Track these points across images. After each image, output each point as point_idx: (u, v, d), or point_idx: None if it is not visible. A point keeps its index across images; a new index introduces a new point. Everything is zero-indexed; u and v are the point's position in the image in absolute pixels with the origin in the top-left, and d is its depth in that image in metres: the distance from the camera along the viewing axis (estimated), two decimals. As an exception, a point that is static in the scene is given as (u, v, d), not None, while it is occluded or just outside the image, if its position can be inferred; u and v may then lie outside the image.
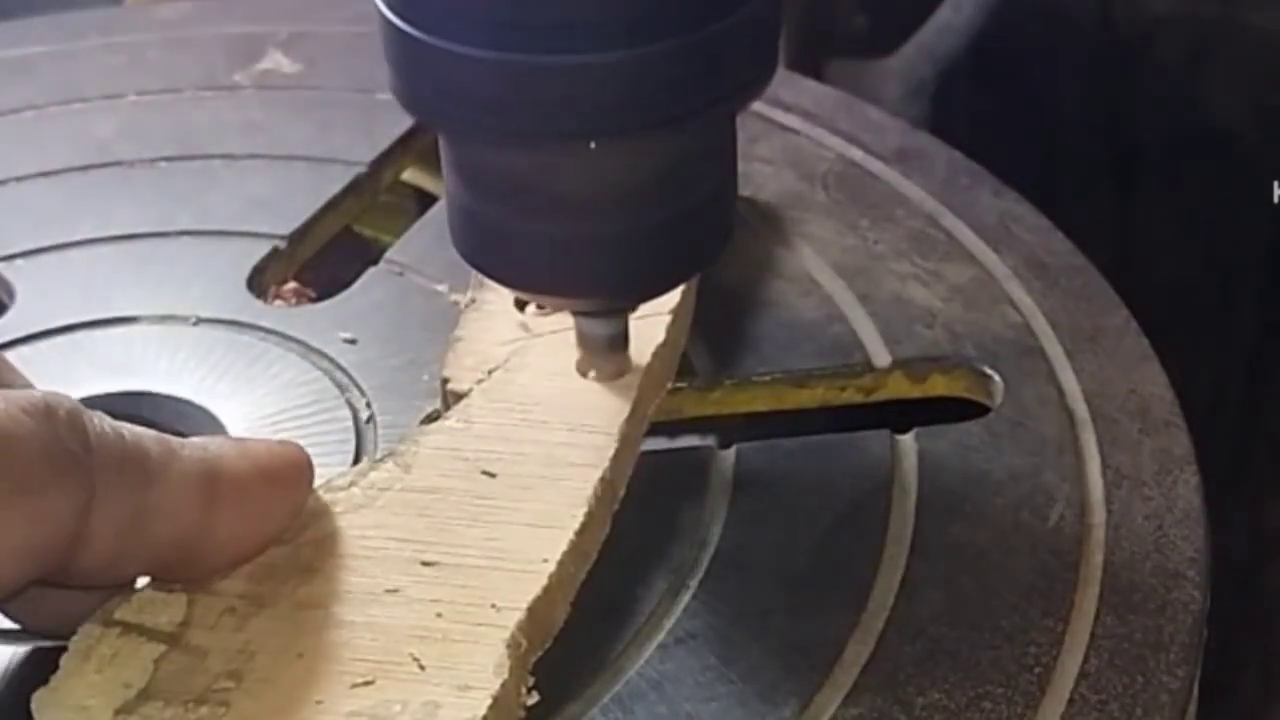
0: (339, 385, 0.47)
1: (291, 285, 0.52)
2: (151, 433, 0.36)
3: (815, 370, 0.47)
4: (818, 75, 0.77)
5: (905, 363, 0.47)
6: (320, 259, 0.54)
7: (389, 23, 0.36)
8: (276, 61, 0.63)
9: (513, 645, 0.35)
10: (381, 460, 0.40)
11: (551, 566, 0.37)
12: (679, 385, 0.46)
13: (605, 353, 0.42)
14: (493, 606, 0.36)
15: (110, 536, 0.34)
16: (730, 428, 0.48)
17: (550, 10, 0.34)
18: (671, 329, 0.44)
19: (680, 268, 0.40)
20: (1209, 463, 0.43)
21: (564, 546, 0.37)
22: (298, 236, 0.53)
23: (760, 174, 0.54)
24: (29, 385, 0.40)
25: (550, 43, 0.34)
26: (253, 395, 0.47)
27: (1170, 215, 0.81)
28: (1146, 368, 0.46)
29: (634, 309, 0.42)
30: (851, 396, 0.47)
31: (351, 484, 0.39)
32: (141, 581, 0.37)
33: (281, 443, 0.38)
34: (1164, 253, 0.81)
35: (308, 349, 0.48)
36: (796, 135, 0.57)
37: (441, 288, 0.50)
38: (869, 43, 0.87)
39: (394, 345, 0.48)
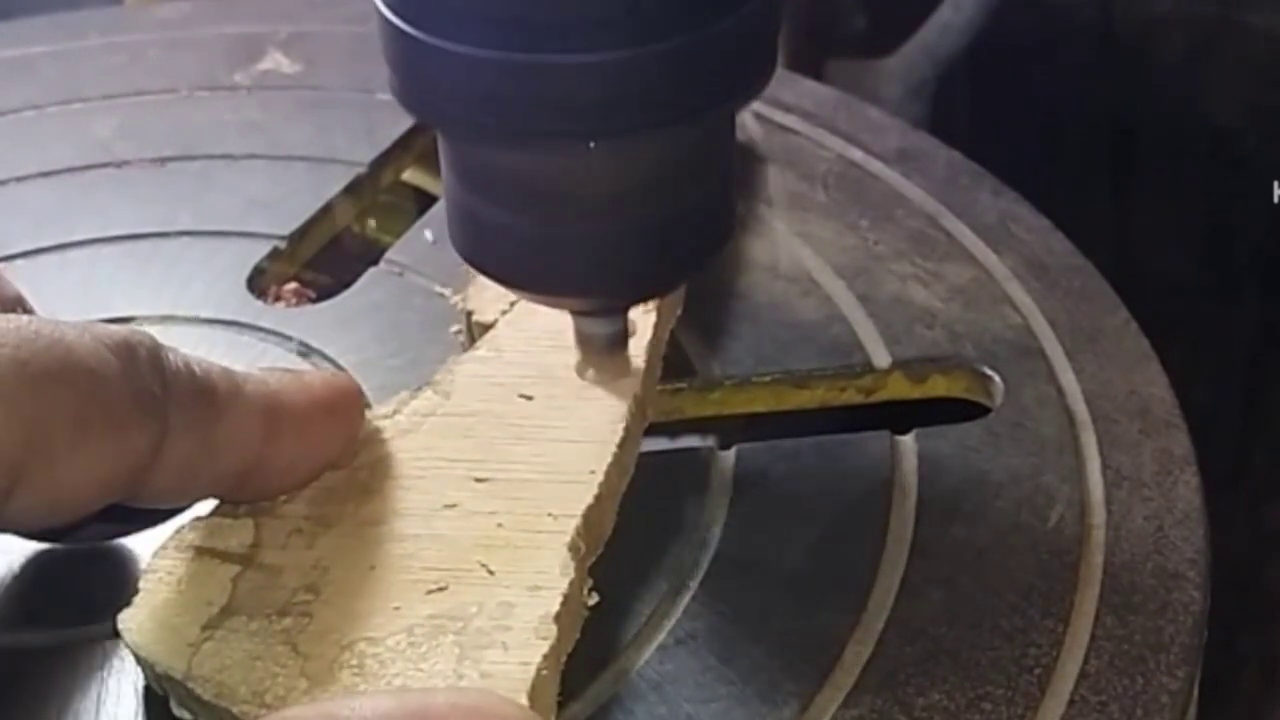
0: (339, 385, 0.47)
1: (291, 285, 0.52)
2: (219, 367, 0.37)
3: (815, 370, 0.47)
4: (818, 75, 0.77)
5: (905, 363, 0.47)
6: (320, 259, 0.54)
7: (387, 21, 0.36)
8: (276, 61, 0.63)
9: (573, 549, 0.37)
10: (419, 390, 0.42)
11: (600, 477, 0.39)
12: (679, 385, 0.46)
13: (605, 352, 0.42)
14: (549, 515, 0.38)
15: (178, 466, 0.36)
16: (730, 428, 0.48)
17: (550, 9, 0.34)
18: None
19: (681, 265, 0.40)
20: (1209, 463, 0.43)
21: (608, 459, 0.40)
22: (298, 236, 0.53)
23: (760, 174, 0.54)
24: (16, 290, 0.41)
25: (549, 42, 0.34)
26: (253, 395, 0.47)
27: (1170, 215, 0.81)
28: (1146, 368, 0.46)
29: (629, 308, 0.42)
30: (851, 397, 0.47)
31: (395, 412, 0.41)
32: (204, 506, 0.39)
33: (335, 374, 0.40)
34: (1164, 253, 0.81)
35: (308, 349, 0.48)
36: (796, 135, 0.57)
37: (442, 288, 0.50)
38: (869, 43, 0.87)
39: (394, 345, 0.48)
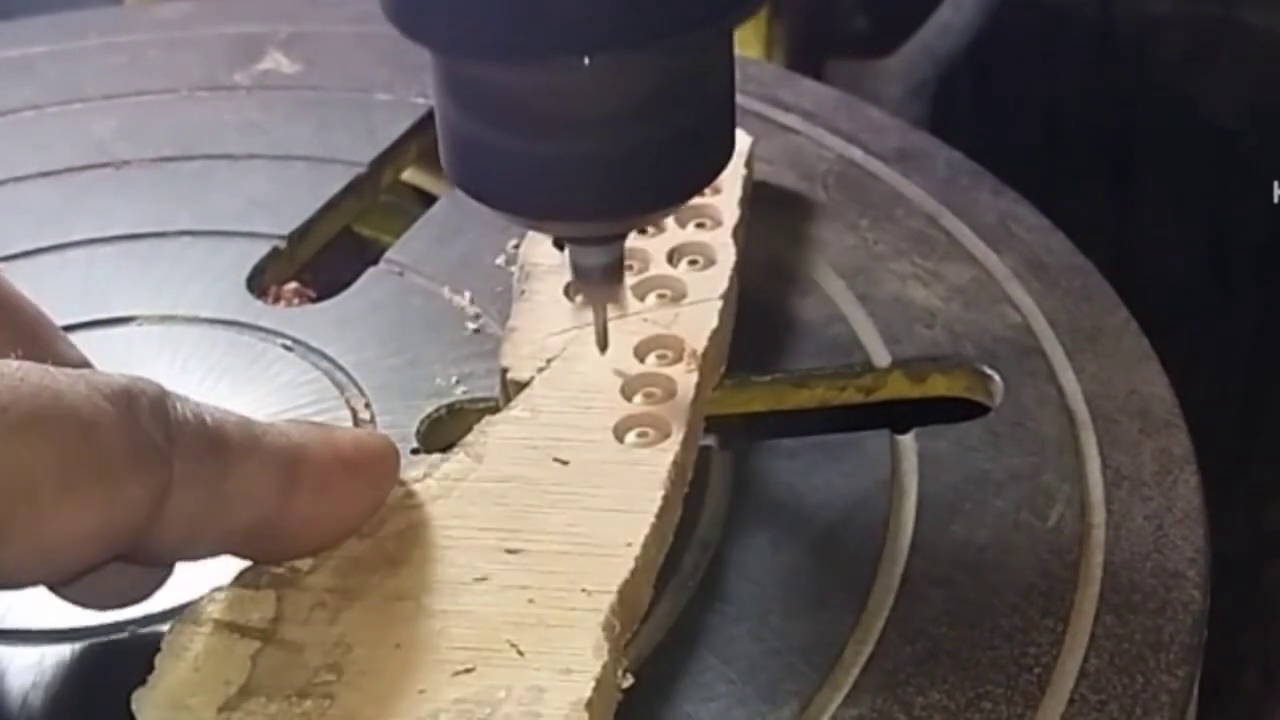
0: (338, 385, 0.47)
1: (291, 285, 0.52)
2: (236, 416, 0.36)
3: (815, 370, 0.47)
4: (818, 75, 0.77)
5: (905, 363, 0.47)
6: (320, 259, 0.54)
7: None
8: (276, 61, 0.63)
9: (608, 628, 0.36)
10: (452, 452, 0.40)
11: (636, 550, 0.38)
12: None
13: (600, 283, 0.40)
14: (583, 591, 0.36)
15: (185, 521, 0.34)
16: (730, 428, 0.48)
17: None
18: (723, 314, 0.45)
19: (674, 190, 0.39)
20: (1209, 463, 0.43)
21: (646, 530, 0.38)
22: (298, 236, 0.53)
23: (760, 174, 0.54)
24: (83, 356, 0.40)
25: None
26: (252, 395, 0.47)
27: (1170, 215, 0.81)
28: (1146, 368, 0.46)
29: (625, 236, 0.41)
30: (851, 396, 0.47)
31: (426, 475, 0.40)
32: (224, 570, 0.37)
33: (369, 434, 0.39)
34: (1164, 253, 0.81)
35: (308, 349, 0.48)
36: (796, 135, 0.57)
37: (441, 288, 0.50)
38: (869, 43, 0.87)
39: (394, 345, 0.48)
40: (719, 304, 0.45)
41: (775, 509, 0.42)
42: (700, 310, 0.45)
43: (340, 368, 0.47)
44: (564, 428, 0.41)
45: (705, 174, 0.40)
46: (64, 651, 0.39)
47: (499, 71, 0.37)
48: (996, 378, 0.46)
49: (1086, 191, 0.82)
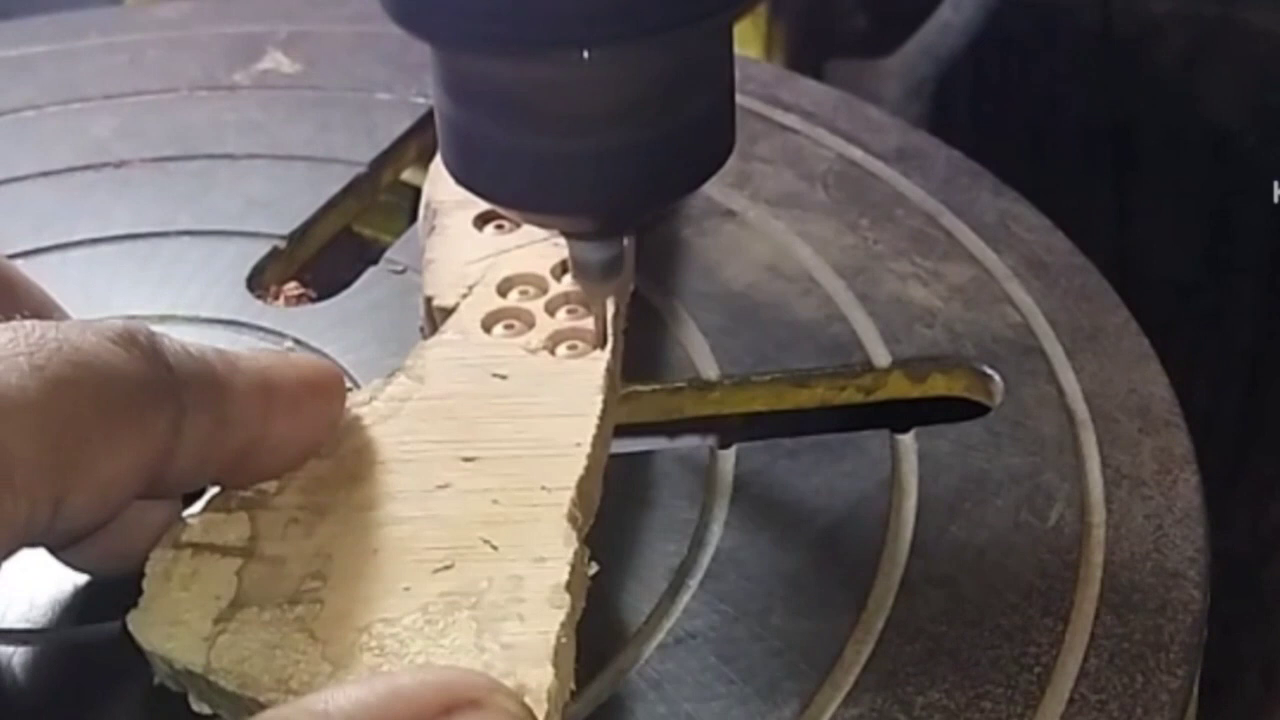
0: (339, 385, 0.47)
1: (291, 285, 0.52)
2: (211, 348, 0.38)
3: (815, 370, 0.47)
4: (818, 75, 0.77)
5: (905, 362, 0.47)
6: (320, 259, 0.54)
7: None
8: (276, 61, 0.63)
9: (571, 519, 0.38)
10: (391, 376, 0.42)
11: (586, 448, 0.40)
12: (679, 385, 0.46)
13: (600, 278, 0.41)
14: (543, 489, 0.38)
15: (196, 447, 0.36)
16: (730, 428, 0.48)
17: None
18: None
19: (675, 185, 0.39)
20: (1209, 462, 0.43)
21: (593, 430, 0.40)
22: (298, 236, 0.53)
23: (760, 174, 0.54)
24: (54, 301, 0.43)
25: None
26: (253, 395, 0.47)
27: (1170, 215, 0.81)
28: (1146, 367, 0.46)
29: (624, 232, 0.41)
30: (851, 396, 0.47)
31: (372, 398, 0.41)
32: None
33: (314, 358, 0.41)
34: (1164, 252, 0.81)
35: (308, 349, 0.48)
36: (796, 135, 0.57)
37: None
38: (869, 43, 0.87)
39: (394, 345, 0.48)
40: None
41: (775, 509, 0.42)
42: None
43: (340, 368, 0.47)
44: (497, 346, 0.43)
45: (705, 168, 0.39)
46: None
47: (497, 66, 0.37)
48: (996, 377, 0.46)
49: (1086, 191, 0.82)
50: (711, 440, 0.46)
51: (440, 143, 0.39)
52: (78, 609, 0.40)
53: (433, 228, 0.49)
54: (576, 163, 0.38)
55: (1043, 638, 0.38)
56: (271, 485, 0.39)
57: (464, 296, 0.45)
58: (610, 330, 0.43)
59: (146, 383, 0.35)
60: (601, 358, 0.42)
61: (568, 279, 0.45)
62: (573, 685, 0.35)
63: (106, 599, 0.39)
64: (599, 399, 0.41)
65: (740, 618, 0.39)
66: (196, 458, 0.37)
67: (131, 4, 0.77)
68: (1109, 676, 0.37)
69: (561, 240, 0.43)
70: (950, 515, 0.42)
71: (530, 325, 0.44)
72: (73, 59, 0.63)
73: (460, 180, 0.39)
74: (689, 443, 0.47)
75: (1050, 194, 0.55)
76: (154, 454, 0.36)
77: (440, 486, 0.39)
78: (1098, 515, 0.42)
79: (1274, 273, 0.80)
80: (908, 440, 0.44)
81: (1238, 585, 0.73)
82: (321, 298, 0.51)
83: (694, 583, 0.40)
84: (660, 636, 0.39)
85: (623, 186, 0.38)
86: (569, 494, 0.38)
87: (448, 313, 0.45)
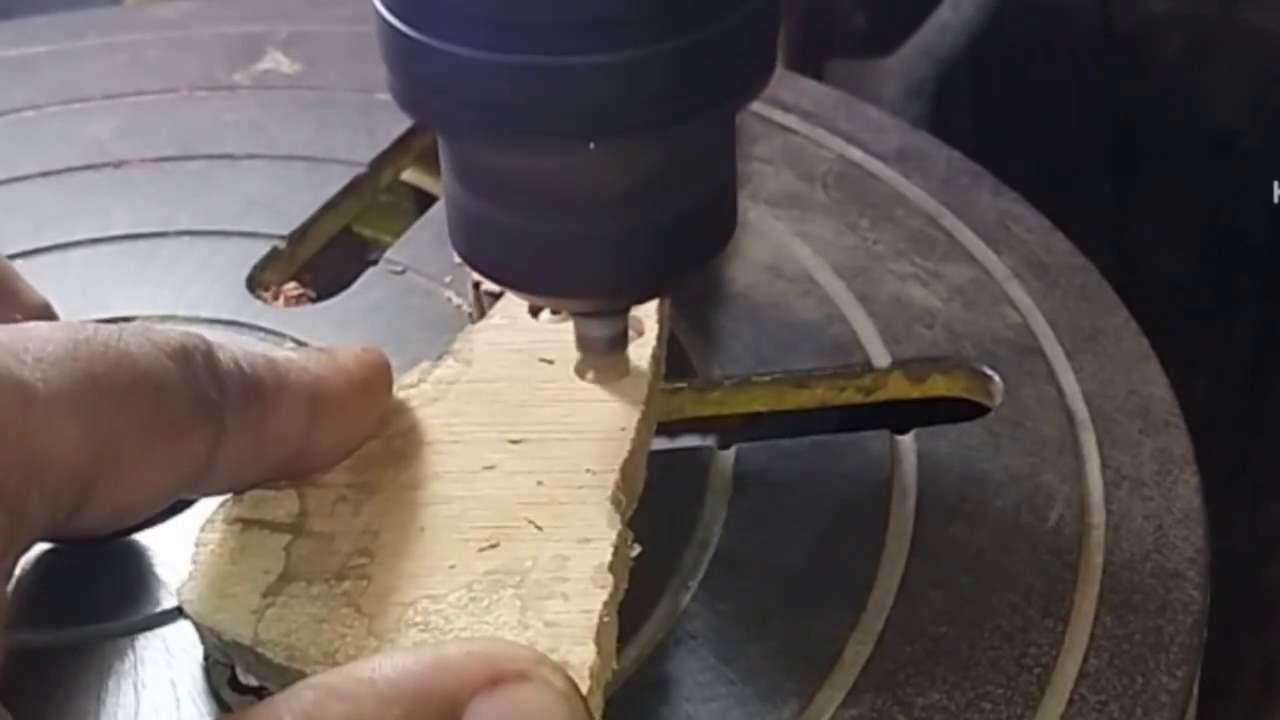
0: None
1: (291, 285, 0.52)
2: (263, 358, 0.38)
3: (815, 370, 0.47)
4: (818, 75, 0.77)
5: (905, 363, 0.47)
6: (320, 259, 0.54)
7: (385, 22, 0.36)
8: (276, 61, 0.63)
9: (615, 501, 0.38)
10: (440, 359, 0.43)
11: (631, 433, 0.40)
12: (679, 385, 0.46)
13: (605, 354, 0.42)
14: (588, 471, 0.39)
15: (233, 465, 0.37)
16: (730, 428, 0.48)
17: (550, 10, 0.34)
18: None
19: (680, 266, 0.40)
20: (1209, 463, 0.43)
21: (637, 415, 0.41)
22: (298, 236, 0.53)
23: (760, 174, 0.55)
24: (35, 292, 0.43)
25: (549, 43, 0.34)
26: (253, 395, 0.47)
27: (1170, 215, 0.81)
28: (1146, 368, 0.46)
29: (629, 309, 0.42)
30: (851, 396, 0.47)
31: (420, 381, 0.42)
32: None
33: (365, 349, 0.41)
34: (1164, 252, 0.81)
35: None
36: (796, 135, 0.57)
37: (441, 288, 0.50)
38: (869, 43, 0.87)
39: (394, 345, 0.48)
40: None
41: (775, 509, 0.42)
42: None
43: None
44: (544, 331, 0.44)
45: (707, 250, 0.41)
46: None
47: (502, 153, 0.37)
48: (996, 378, 0.46)
49: (1086, 191, 0.82)
50: (711, 440, 0.46)
51: (448, 220, 0.40)
52: (82, 609, 0.40)
53: None
54: (581, 246, 0.39)
55: (1043, 638, 0.38)
56: None
57: None
58: (656, 318, 0.44)
59: (193, 403, 0.35)
60: (648, 343, 0.43)
61: None
62: (614, 664, 0.36)
63: (116, 599, 0.39)
64: (644, 384, 0.42)
65: (740, 618, 0.39)
66: (232, 474, 0.37)
67: (131, 4, 0.77)
68: (1109, 677, 0.37)
69: None
70: (950, 516, 0.42)
71: None
72: (73, 59, 0.63)
73: (466, 260, 0.40)
74: (689, 443, 0.47)
75: (1050, 194, 0.55)
76: (186, 475, 0.36)
77: (486, 468, 0.39)
78: (1097, 516, 0.42)
79: (1274, 273, 0.80)
80: (907, 441, 0.44)
81: (1238, 585, 0.73)
82: (321, 298, 0.51)
83: (694, 583, 0.40)
84: (660, 637, 0.39)
85: (626, 269, 0.39)
86: (613, 476, 0.39)
87: (495, 298, 0.45)
